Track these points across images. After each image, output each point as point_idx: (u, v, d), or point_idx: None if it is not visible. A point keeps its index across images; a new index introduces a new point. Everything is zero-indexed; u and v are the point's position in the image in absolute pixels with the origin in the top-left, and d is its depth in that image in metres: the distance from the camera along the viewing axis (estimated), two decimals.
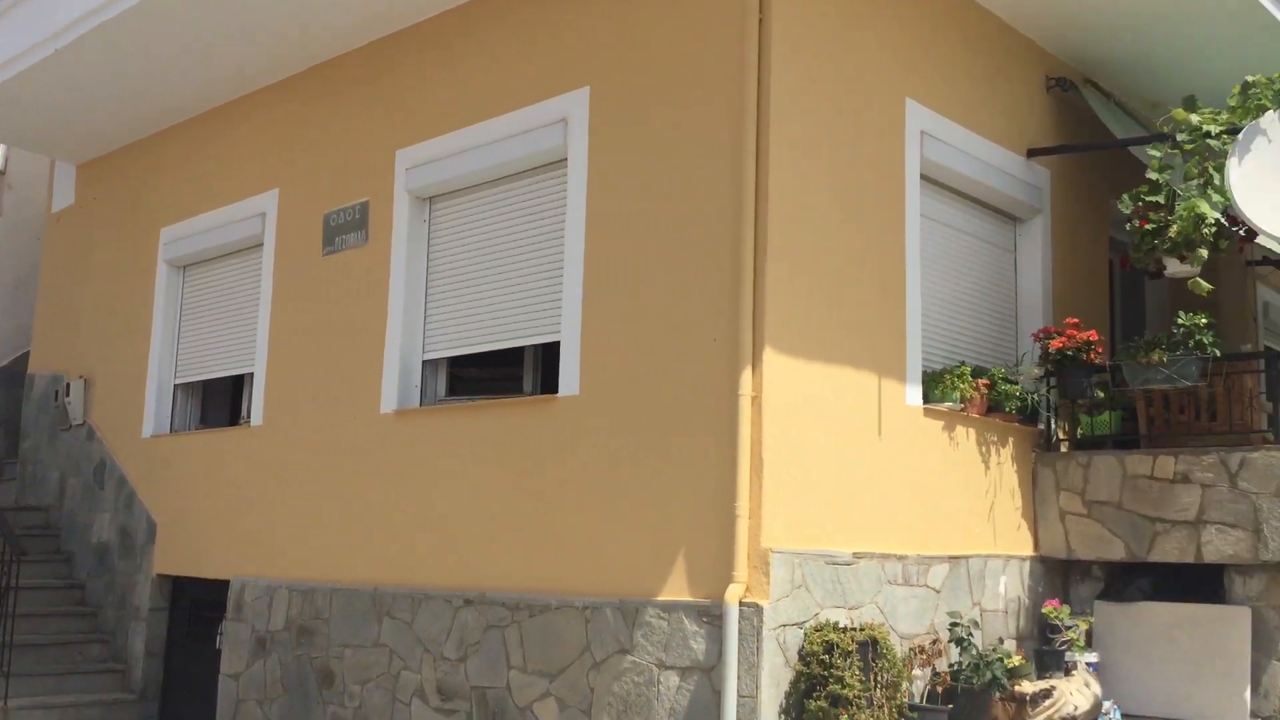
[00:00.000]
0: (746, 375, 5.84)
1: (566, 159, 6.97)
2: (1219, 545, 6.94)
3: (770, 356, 5.89)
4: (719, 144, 6.18)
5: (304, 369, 8.49)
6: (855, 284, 6.51)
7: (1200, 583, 7.21)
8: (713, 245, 6.12)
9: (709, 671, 5.69)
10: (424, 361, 7.80)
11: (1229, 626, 6.91)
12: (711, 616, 5.72)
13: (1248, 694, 6.74)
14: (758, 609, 5.59)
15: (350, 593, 7.63)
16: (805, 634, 5.73)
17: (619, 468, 6.35)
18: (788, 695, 5.62)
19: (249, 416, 9.01)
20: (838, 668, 5.43)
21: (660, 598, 5.99)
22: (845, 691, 5.38)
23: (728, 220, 6.05)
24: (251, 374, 9.10)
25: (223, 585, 8.67)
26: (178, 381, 9.97)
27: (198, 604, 9.25)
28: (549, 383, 7.11)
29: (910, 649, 6.35)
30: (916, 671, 6.30)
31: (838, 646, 5.52)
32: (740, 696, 5.53)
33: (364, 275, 8.14)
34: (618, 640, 6.09)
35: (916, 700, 6.19)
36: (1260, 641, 6.84)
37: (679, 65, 6.48)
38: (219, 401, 10.12)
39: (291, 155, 8.96)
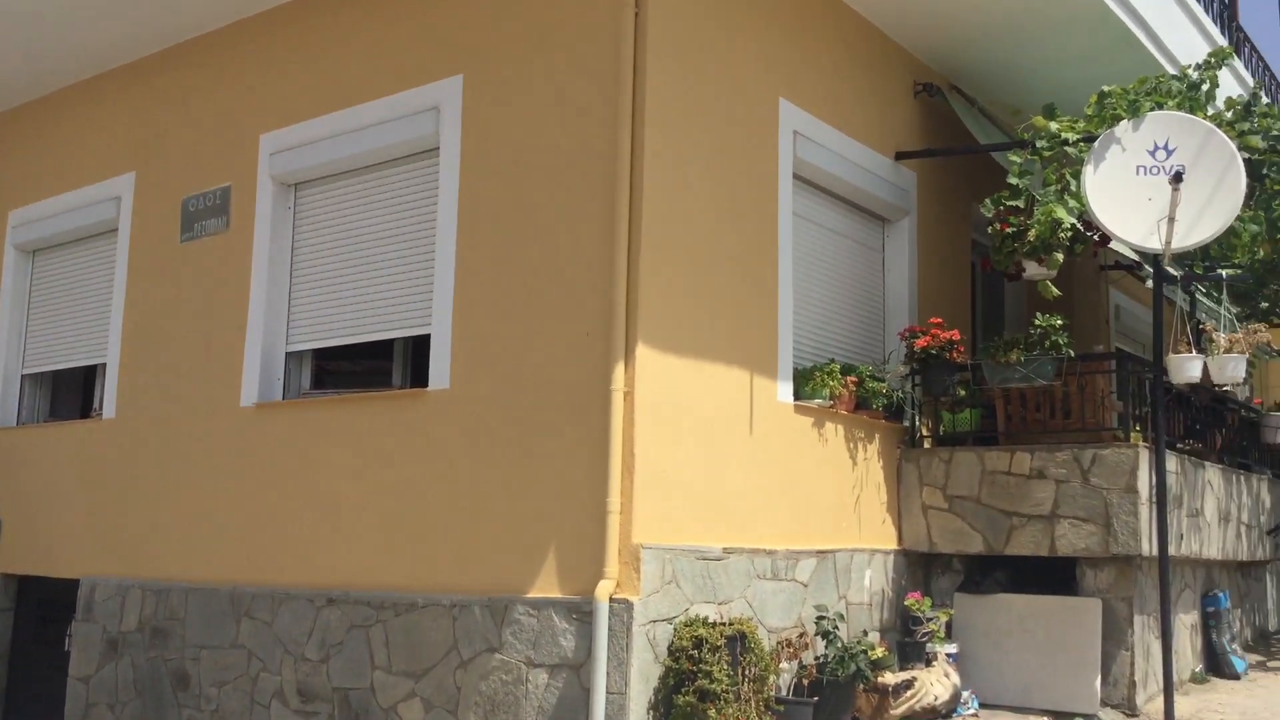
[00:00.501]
0: (619, 370, 5.81)
1: (438, 147, 6.84)
2: (1072, 539, 7.20)
3: (643, 352, 5.87)
4: (595, 138, 6.13)
5: (160, 360, 8.14)
6: (729, 281, 6.55)
7: (1054, 575, 7.48)
8: (587, 240, 6.07)
9: (578, 669, 5.64)
10: (287, 353, 7.56)
11: (1080, 617, 7.18)
12: (582, 613, 5.67)
13: (1098, 682, 7.01)
14: (628, 605, 5.57)
15: (207, 592, 7.35)
16: (675, 629, 5.73)
17: (489, 463, 6.26)
18: (657, 691, 5.61)
19: (101, 408, 8.61)
20: (706, 663, 5.45)
21: (530, 595, 5.92)
22: (713, 686, 5.39)
23: (603, 215, 6.01)
24: (104, 364, 8.69)
25: (72, 584, 8.26)
26: (26, 372, 9.47)
27: (45, 604, 8.80)
28: (419, 376, 6.97)
29: (778, 642, 6.41)
30: (784, 665, 6.37)
31: (707, 642, 5.53)
32: (609, 693, 5.50)
33: (224, 263, 7.85)
34: (486, 639, 6.00)
35: (784, 693, 6.26)
36: (1110, 631, 7.12)
37: (555, 58, 6.41)
38: (70, 393, 9.66)
39: (149, 137, 8.58)
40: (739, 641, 5.70)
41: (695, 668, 5.46)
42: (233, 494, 7.46)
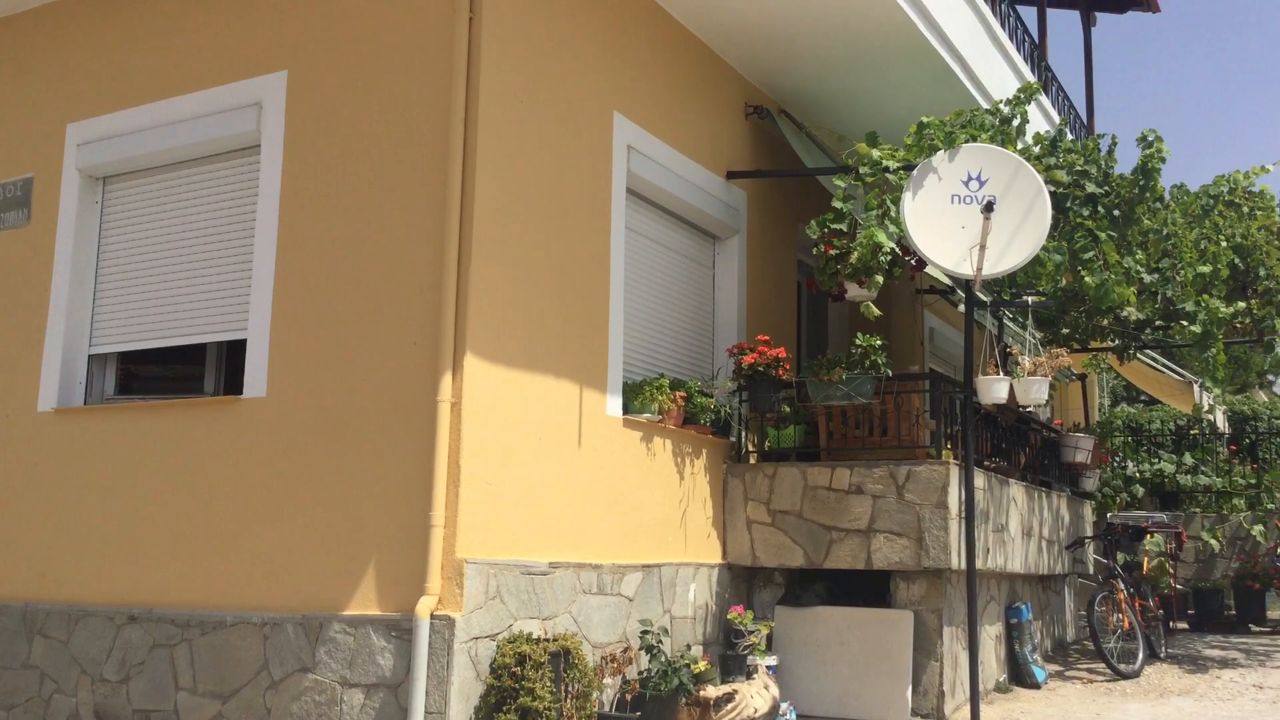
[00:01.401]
0: (446, 381, 5.69)
1: (260, 145, 6.58)
2: (887, 552, 7.42)
3: (472, 363, 5.77)
4: (425, 144, 6.00)
5: None
6: (560, 293, 6.50)
7: (871, 588, 7.70)
8: (415, 247, 5.93)
9: (396, 688, 5.47)
10: (90, 356, 7.14)
11: (893, 629, 7.40)
12: (401, 631, 5.51)
13: (909, 692, 7.23)
14: (450, 622, 5.44)
15: None
16: (498, 646, 5.63)
17: (307, 476, 6.03)
18: (478, 710, 5.49)
19: None
20: (529, 680, 5.36)
21: (347, 612, 5.72)
22: (535, 704, 5.31)
23: (432, 222, 5.89)
24: None
25: None
26: None
27: None
28: (234, 383, 6.67)
29: (602, 658, 6.38)
30: (608, 680, 6.34)
31: (530, 658, 5.45)
32: (428, 713, 5.35)
33: (24, 258, 7.36)
34: (299, 658, 5.76)
35: (607, 708, 6.23)
36: (921, 642, 7.37)
37: (386, 58, 6.25)
38: None
39: None
40: (563, 657, 5.63)
41: (517, 685, 5.37)
42: (27, 504, 6.98)
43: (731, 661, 7.09)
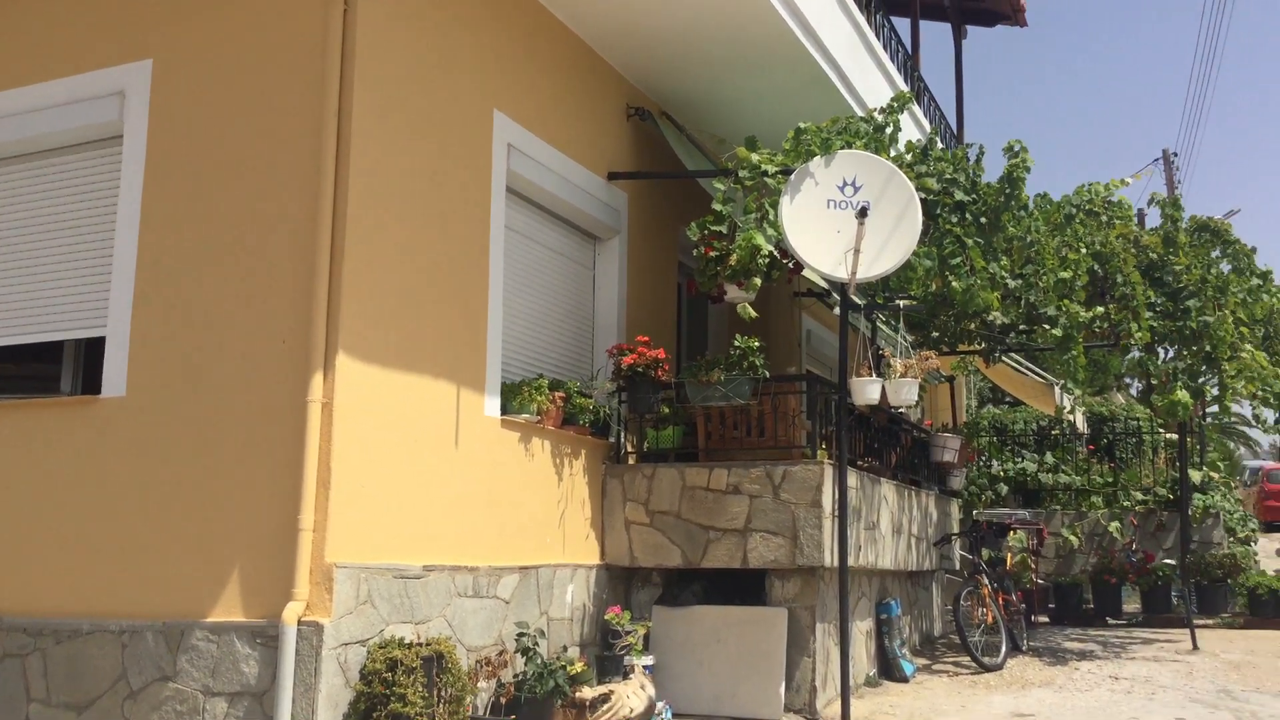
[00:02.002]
0: (317, 380, 5.55)
1: (122, 136, 6.33)
2: (762, 551, 7.52)
3: (344, 362, 5.64)
4: (297, 137, 5.85)
5: None
6: (438, 292, 6.41)
7: (747, 586, 7.79)
8: (286, 244, 5.78)
9: (261, 696, 5.32)
10: None
11: (768, 627, 7.50)
12: (267, 638, 5.36)
13: (782, 688, 7.34)
14: (318, 628, 5.31)
15: None
16: (369, 652, 5.51)
17: (170, 478, 5.81)
18: (346, 717, 5.37)
19: None
20: (400, 685, 5.27)
21: (210, 619, 5.54)
22: (406, 709, 5.22)
23: (304, 219, 5.74)
24: None
25: None
26: None
27: None
28: (93, 383, 6.39)
29: (477, 661, 6.31)
30: (483, 684, 6.27)
31: (401, 663, 5.35)
32: None
33: None
34: (159, 667, 5.56)
35: (481, 712, 6.16)
36: (795, 640, 7.48)
37: (257, 48, 6.07)
38: None
39: None
40: (436, 662, 5.55)
41: (388, 691, 5.27)
42: None
43: (608, 662, 7.09)
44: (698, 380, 7.80)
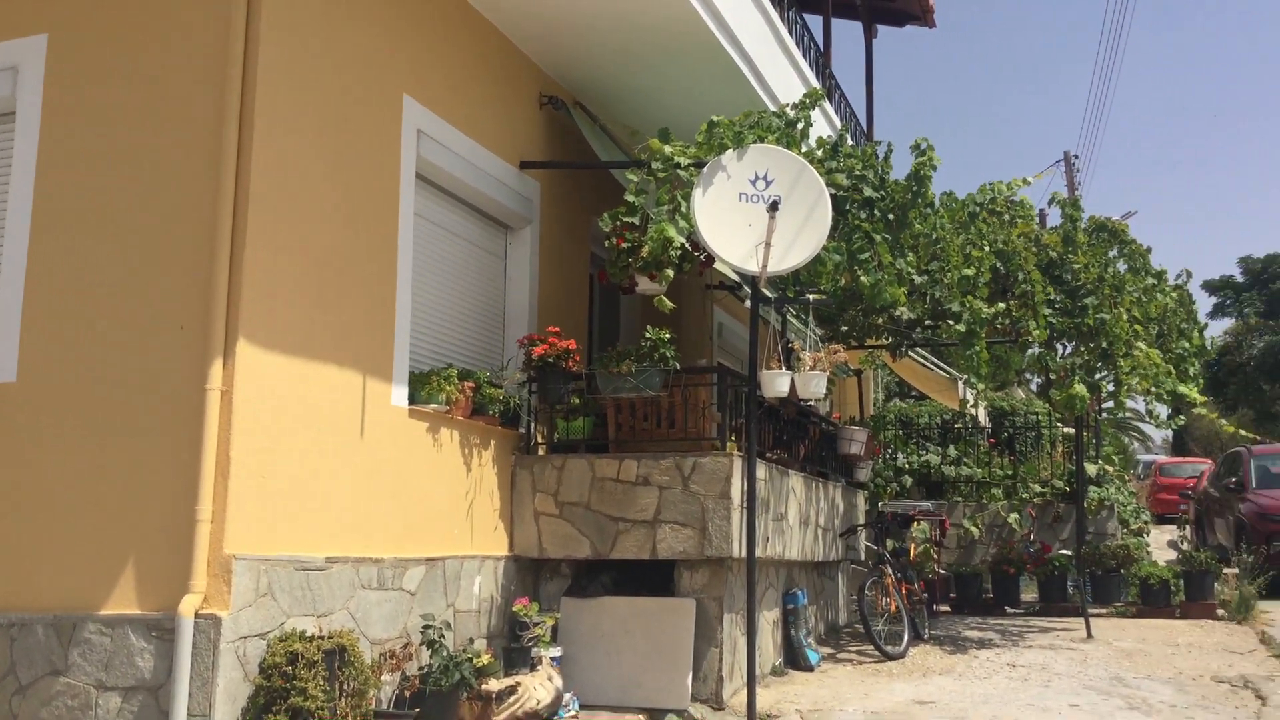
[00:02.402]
0: (217, 367, 5.41)
1: (15, 112, 6.09)
2: (671, 542, 7.55)
3: (245, 349, 5.51)
4: (197, 116, 5.69)
5: None
6: (344, 279, 6.29)
7: (656, 577, 7.81)
8: (186, 226, 5.62)
9: (156, 690, 5.18)
10: None
11: (676, 617, 7.54)
12: (163, 631, 5.22)
13: (689, 678, 7.38)
14: (216, 620, 5.18)
15: None
16: (269, 645, 5.40)
17: (61, 466, 5.62)
18: (245, 711, 5.26)
19: None
20: (300, 679, 5.17)
21: (103, 612, 5.37)
22: (307, 703, 5.13)
23: (204, 200, 5.58)
24: None
25: None
26: None
27: None
28: None
29: (381, 654, 6.23)
30: (386, 677, 6.19)
31: (302, 657, 5.25)
32: (191, 715, 5.08)
33: None
34: (49, 661, 5.38)
35: (385, 706, 6.09)
36: (702, 630, 7.53)
37: (157, 25, 5.89)
38: None
39: None
40: (338, 655, 5.46)
41: (288, 685, 5.17)
42: None
43: (515, 654, 7.06)
44: (609, 371, 7.79)
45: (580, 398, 8.10)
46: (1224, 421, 15.63)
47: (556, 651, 7.33)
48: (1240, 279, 39.80)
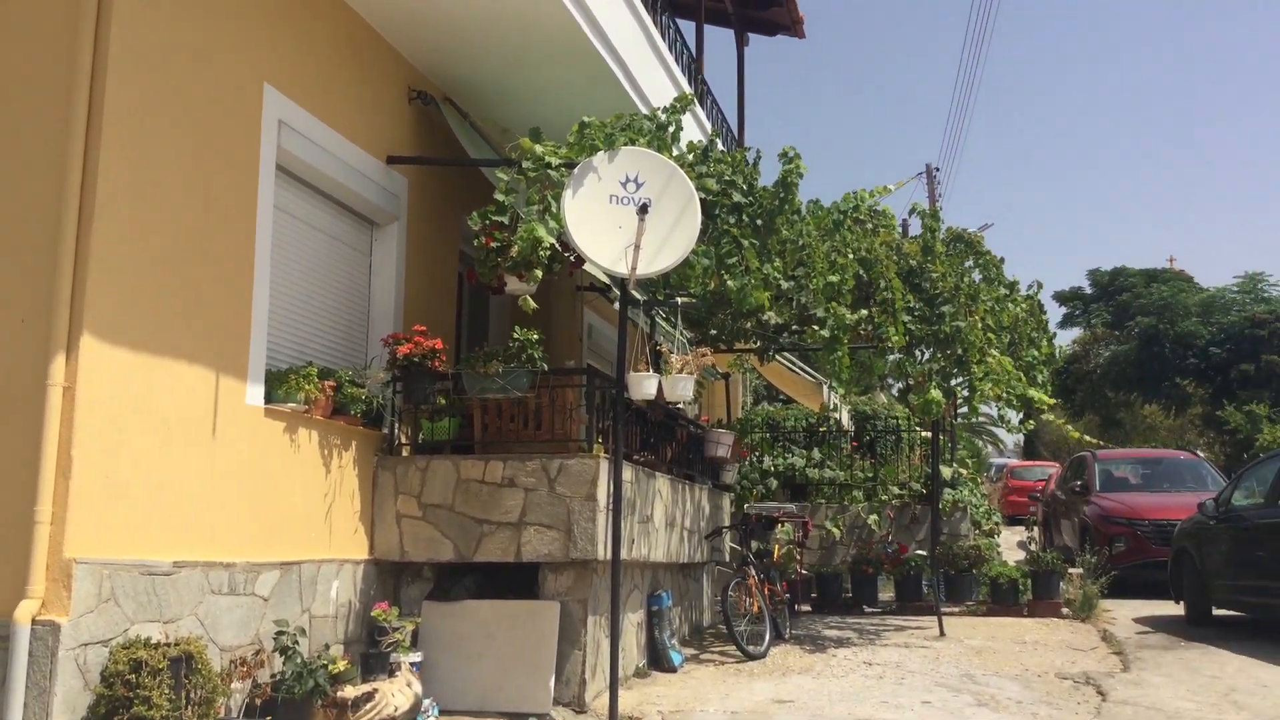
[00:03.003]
0: (59, 363, 5.15)
1: None
2: (536, 545, 7.50)
3: (89, 344, 5.25)
4: (43, 101, 5.41)
5: None
6: (198, 273, 6.06)
7: (521, 580, 7.75)
8: (28, 215, 5.33)
9: None
10: None
11: (539, 620, 7.49)
12: None
13: (552, 681, 7.34)
14: (54, 627, 4.93)
15: None
16: (111, 653, 5.16)
17: None
18: None
19: None
20: (144, 688, 4.96)
21: None
22: (150, 713, 4.92)
23: (49, 189, 5.31)
24: None
25: None
26: None
27: None
28: None
29: (232, 661, 6.02)
30: (236, 685, 5.99)
31: (146, 664, 5.04)
32: None
33: None
34: None
35: (235, 714, 5.89)
36: (566, 633, 7.50)
37: (2, 6, 5.58)
38: None
39: None
40: (184, 663, 5.26)
41: (131, 694, 4.95)
42: None
43: (373, 660, 6.91)
44: (475, 372, 7.70)
45: (446, 398, 7.99)
46: (1071, 427, 16.28)
47: (416, 657, 7.21)
48: (1089, 291, 41.62)
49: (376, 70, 8.16)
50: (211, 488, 6.10)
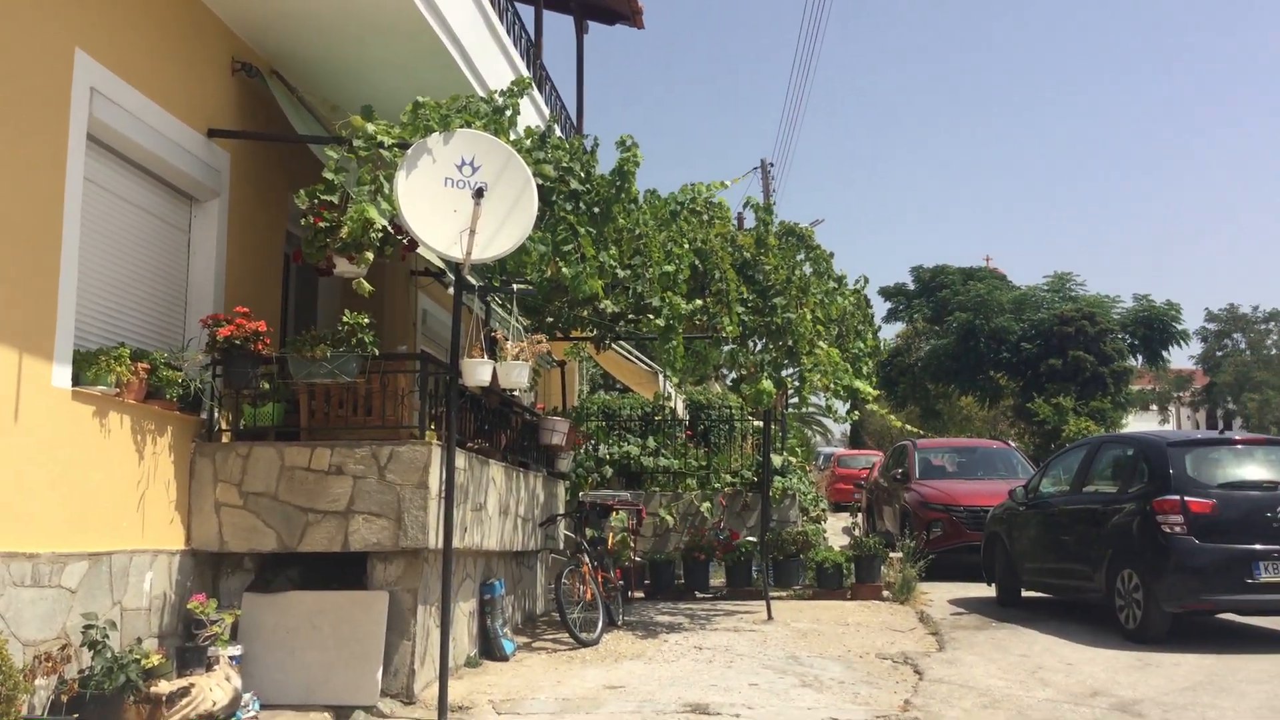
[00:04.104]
0: None
1: None
2: (365, 534, 7.32)
3: None
4: None
5: None
6: None
7: (350, 570, 7.55)
8: None
9: None
10: None
11: (367, 611, 7.32)
12: None
13: (379, 673, 7.18)
14: None
15: None
16: None
17: None
18: None
19: None
20: None
21: None
22: None
23: None
24: None
25: None
26: None
27: None
28: None
29: (36, 657, 5.67)
30: (41, 681, 5.64)
31: None
32: None
33: None
34: None
35: (39, 712, 5.55)
36: (395, 623, 7.35)
37: None
38: None
39: None
40: None
41: None
42: None
43: (190, 654, 6.62)
44: (302, 355, 7.45)
45: (271, 383, 7.71)
46: (894, 417, 16.92)
47: (236, 650, 6.95)
48: (912, 287, 43.28)
49: (199, 39, 7.79)
50: (13, 474, 5.72)
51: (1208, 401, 55.35)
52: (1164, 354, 37.50)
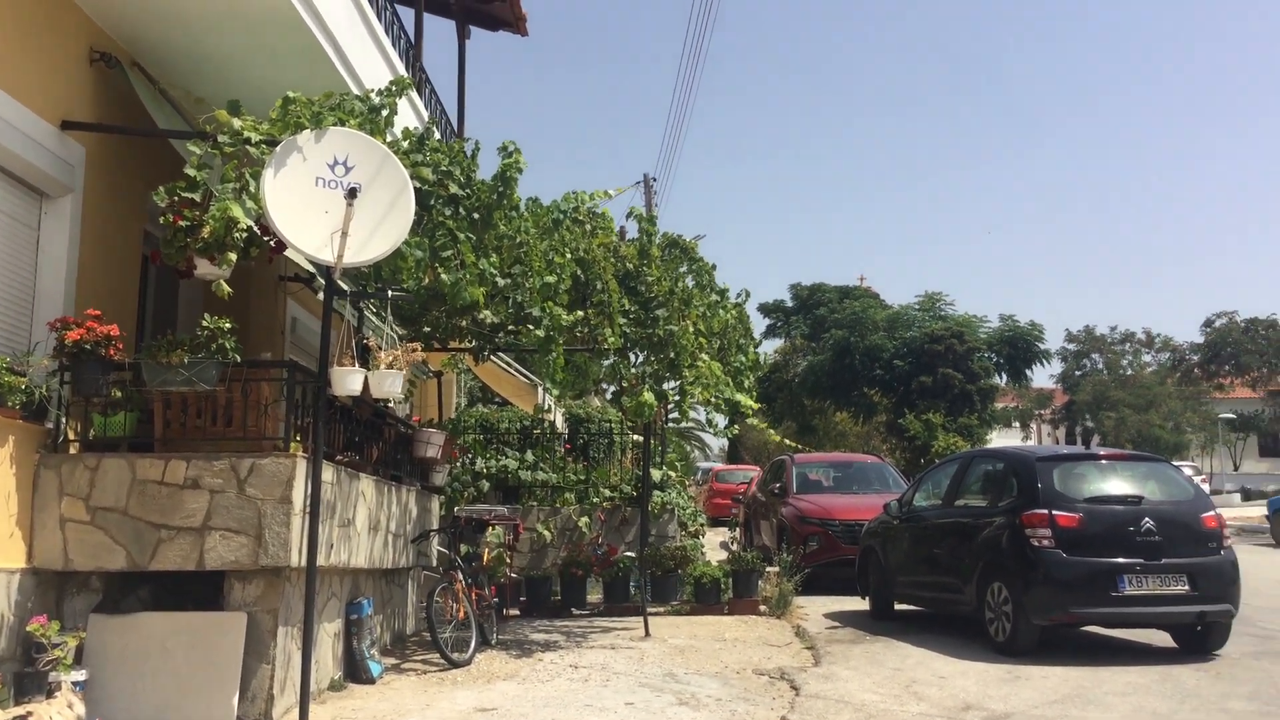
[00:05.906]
0: None
1: None
2: (222, 551, 6.93)
3: None
4: None
5: None
6: None
7: (206, 590, 7.13)
8: None
9: None
10: None
11: (223, 633, 6.92)
12: None
13: (235, 699, 6.78)
14: None
15: None
16: None
17: None
18: None
19: None
20: None
21: None
22: None
23: None
24: None
25: None
26: None
27: None
28: None
29: None
30: None
31: None
32: None
33: None
34: None
35: None
36: (254, 646, 6.96)
37: None
38: None
39: None
40: None
41: None
42: None
43: (29, 680, 6.17)
44: (157, 361, 7.03)
45: (123, 390, 7.25)
46: (772, 432, 17.01)
47: (80, 675, 6.49)
48: (790, 304, 43.95)
49: (54, 26, 7.31)
50: None
51: (1067, 419, 57.52)
52: (1027, 372, 38.88)
